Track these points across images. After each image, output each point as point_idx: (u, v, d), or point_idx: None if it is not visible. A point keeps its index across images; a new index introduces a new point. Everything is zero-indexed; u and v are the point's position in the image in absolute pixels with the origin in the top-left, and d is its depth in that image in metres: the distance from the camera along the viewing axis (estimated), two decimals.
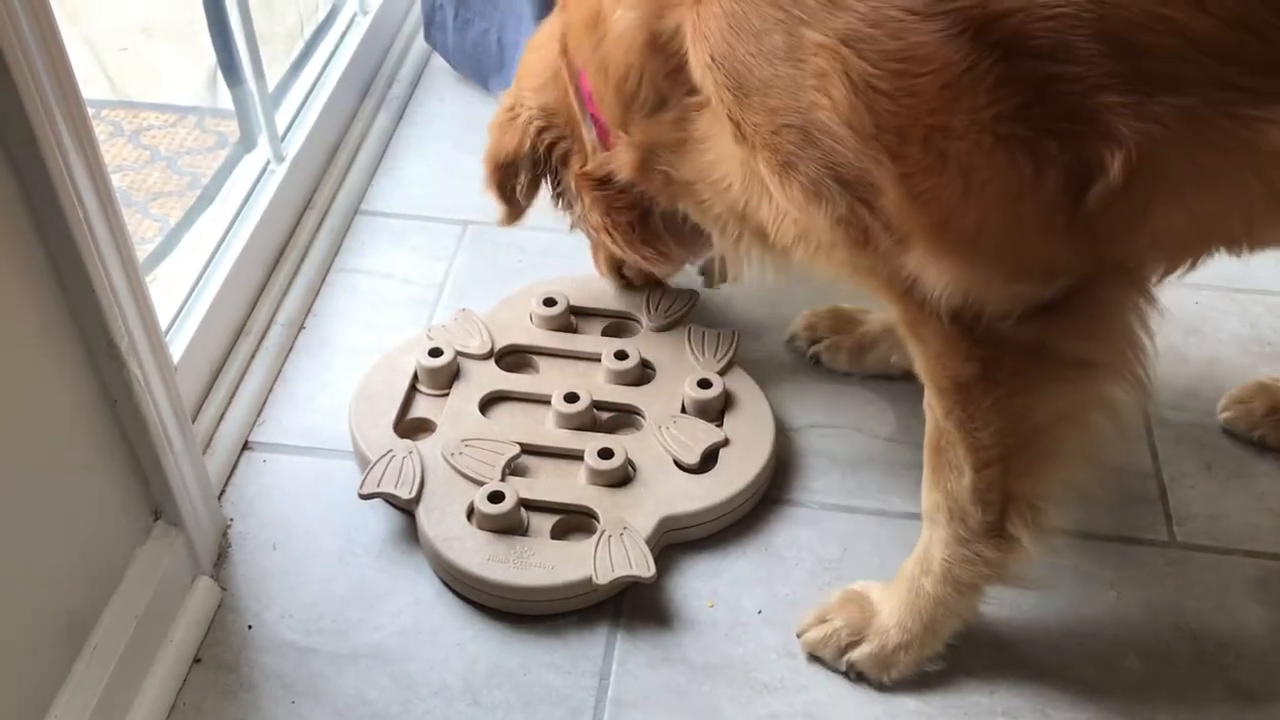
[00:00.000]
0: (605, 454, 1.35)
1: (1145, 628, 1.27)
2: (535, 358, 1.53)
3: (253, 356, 1.53)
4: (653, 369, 1.50)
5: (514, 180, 1.40)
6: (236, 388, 1.49)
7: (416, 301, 1.66)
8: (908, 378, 1.42)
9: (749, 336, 1.58)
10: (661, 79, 1.09)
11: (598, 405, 1.43)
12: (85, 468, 1.09)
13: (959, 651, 1.24)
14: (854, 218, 0.96)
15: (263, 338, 1.56)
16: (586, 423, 1.42)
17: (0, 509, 0.97)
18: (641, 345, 1.51)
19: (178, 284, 1.47)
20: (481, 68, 2.00)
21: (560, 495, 1.34)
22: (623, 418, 1.45)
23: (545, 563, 1.27)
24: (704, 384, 1.44)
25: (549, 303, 1.55)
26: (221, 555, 1.33)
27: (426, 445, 1.38)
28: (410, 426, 1.43)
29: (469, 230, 1.77)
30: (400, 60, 2.10)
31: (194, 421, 1.36)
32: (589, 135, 1.30)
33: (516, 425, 1.42)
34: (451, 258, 1.73)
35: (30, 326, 0.99)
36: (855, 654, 1.21)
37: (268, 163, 1.69)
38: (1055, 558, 1.33)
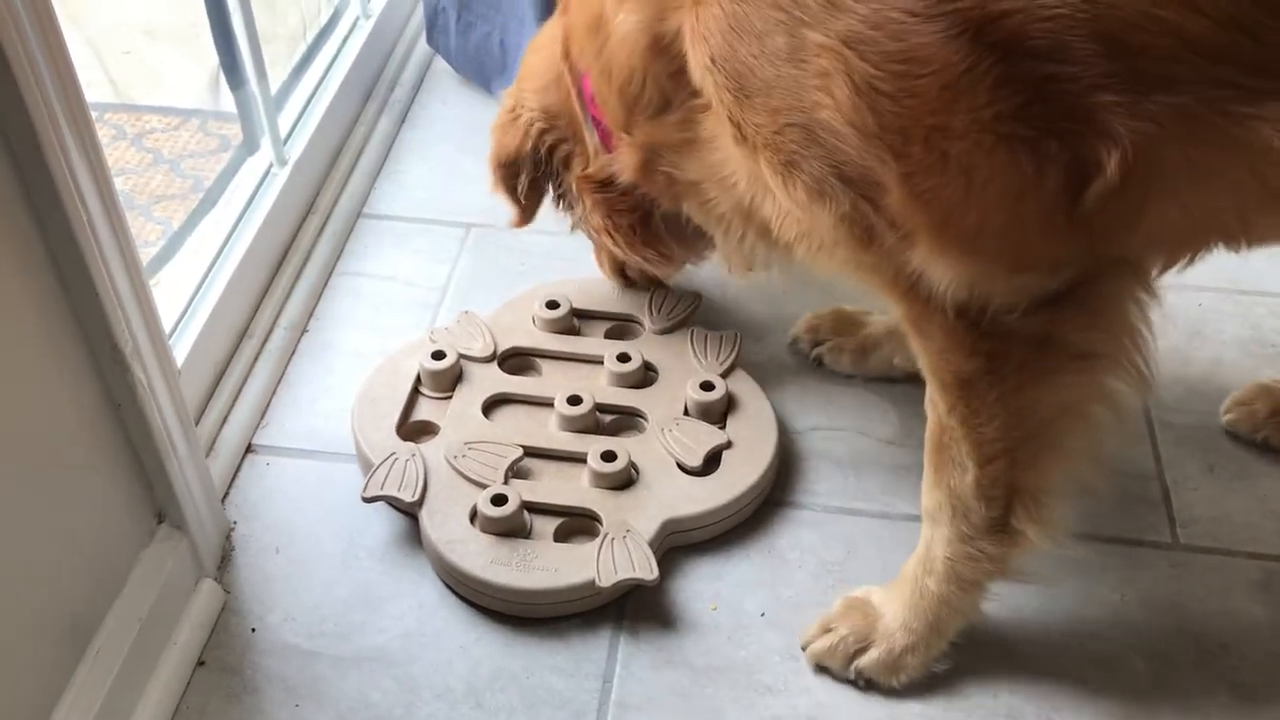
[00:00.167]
0: (608, 457, 1.35)
1: (1148, 630, 1.27)
2: (538, 360, 1.53)
3: (256, 360, 1.54)
4: (655, 371, 1.50)
5: (515, 180, 1.41)
6: (239, 391, 1.49)
7: (419, 304, 1.66)
8: (910, 380, 1.43)
9: (751, 339, 1.58)
10: (665, 81, 1.09)
11: (600, 408, 1.44)
12: (89, 471, 1.09)
13: (962, 653, 1.24)
14: (858, 215, 0.97)
15: (265, 341, 1.56)
16: (589, 425, 1.42)
17: (4, 512, 0.97)
18: (644, 348, 1.51)
19: (181, 287, 1.48)
20: (484, 70, 2.00)
21: (563, 498, 1.34)
22: (625, 420, 1.45)
23: (548, 565, 1.27)
24: (706, 386, 1.44)
25: (552, 305, 1.55)
26: (225, 558, 1.33)
27: (429, 448, 1.38)
28: (413, 429, 1.43)
29: (471, 233, 1.77)
30: (403, 63, 2.10)
31: (197, 425, 1.37)
32: (591, 138, 1.30)
33: (519, 428, 1.42)
34: (454, 260, 1.73)
35: (34, 330, 1.00)
36: (863, 660, 1.21)
37: (270, 166, 1.69)
38: (1057, 555, 1.33)
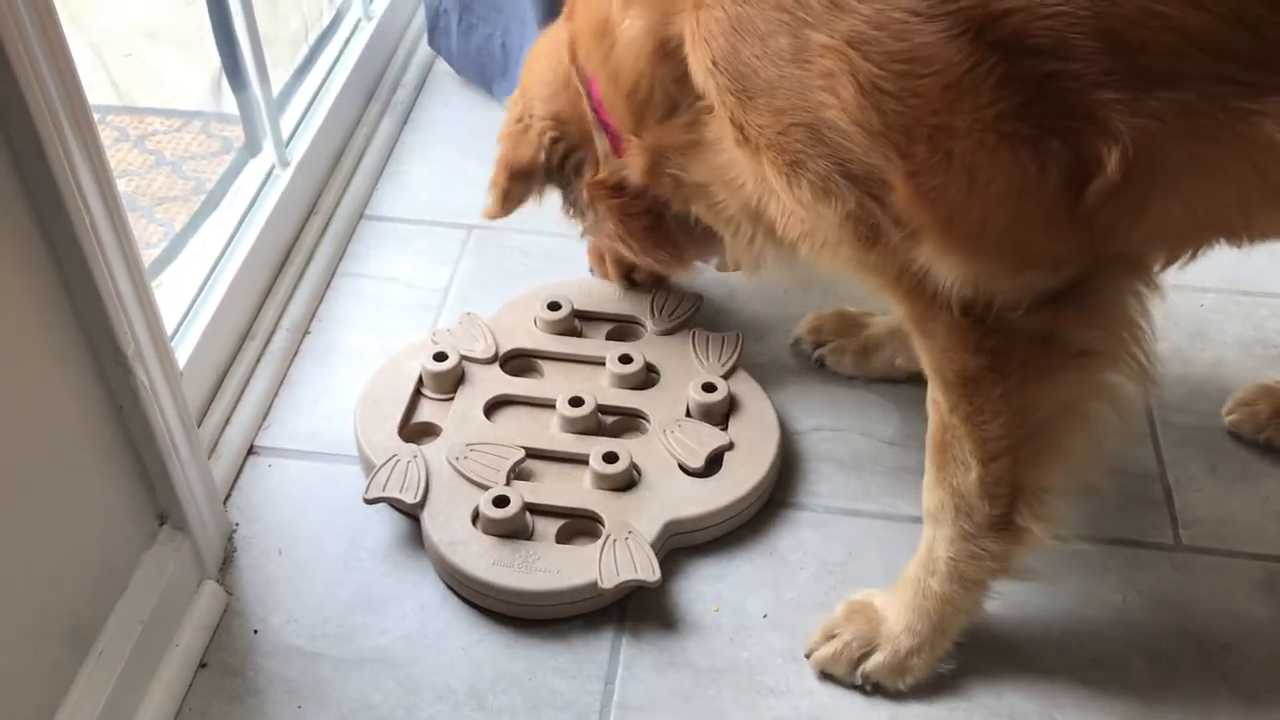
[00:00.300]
0: (610, 458, 1.35)
1: (1151, 630, 1.27)
2: (540, 362, 1.53)
3: (258, 361, 1.54)
4: (657, 373, 1.50)
5: (527, 190, 1.40)
6: (242, 392, 1.49)
7: (421, 306, 1.66)
8: (912, 380, 1.43)
9: (753, 340, 1.58)
10: (671, 85, 1.09)
11: (602, 409, 1.44)
12: (91, 473, 1.10)
13: (965, 655, 1.23)
14: (863, 213, 0.97)
15: (268, 342, 1.56)
16: (591, 427, 1.42)
17: (6, 514, 0.97)
18: (646, 349, 1.51)
19: (183, 289, 1.48)
20: (485, 72, 2.00)
21: (565, 499, 1.34)
22: (627, 421, 1.45)
23: (550, 567, 1.27)
24: (708, 387, 1.44)
25: (553, 307, 1.55)
26: (227, 560, 1.33)
27: (431, 449, 1.38)
28: (415, 431, 1.43)
29: (473, 234, 1.77)
30: (404, 65, 2.10)
31: (199, 426, 1.37)
32: (601, 143, 1.30)
33: (521, 429, 1.42)
34: (456, 262, 1.73)
35: (36, 331, 1.00)
36: (869, 665, 1.20)
37: (272, 167, 1.69)
38: (1060, 555, 1.33)
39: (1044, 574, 1.31)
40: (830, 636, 1.23)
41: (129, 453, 1.15)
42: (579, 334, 1.56)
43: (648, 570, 1.26)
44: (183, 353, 1.39)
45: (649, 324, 1.56)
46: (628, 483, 1.35)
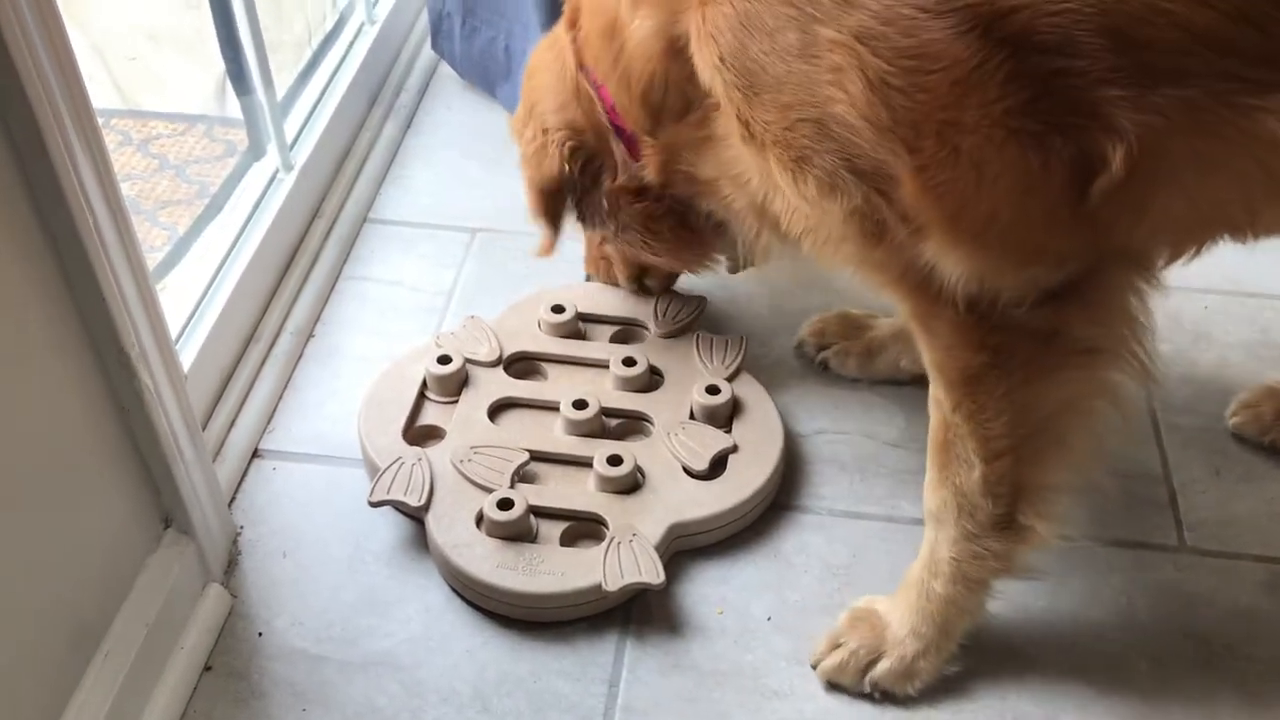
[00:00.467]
0: (614, 461, 1.35)
1: (1155, 632, 1.27)
2: (544, 364, 1.53)
3: (262, 364, 1.54)
4: (661, 375, 1.50)
5: (562, 205, 1.38)
6: (246, 396, 1.49)
7: (425, 309, 1.66)
8: (916, 382, 1.43)
9: (757, 342, 1.58)
10: (685, 83, 1.09)
11: (606, 412, 1.44)
12: (96, 476, 1.10)
13: (969, 657, 1.23)
14: (869, 209, 0.97)
15: (272, 346, 1.57)
16: (595, 429, 1.42)
17: (12, 517, 0.98)
18: (650, 352, 1.51)
19: (187, 292, 1.48)
20: (488, 76, 2.00)
21: (569, 502, 1.34)
22: (631, 424, 1.45)
23: (554, 569, 1.27)
24: (712, 390, 1.44)
25: (557, 309, 1.55)
26: (232, 563, 1.33)
27: (435, 452, 1.38)
28: (419, 434, 1.43)
29: (477, 238, 1.77)
30: (408, 69, 2.10)
31: (204, 429, 1.37)
32: (618, 148, 1.29)
33: (525, 432, 1.42)
34: (460, 265, 1.73)
35: (41, 335, 1.00)
36: (876, 672, 1.20)
37: (276, 171, 1.69)
38: (1064, 556, 1.33)
39: (1048, 575, 1.32)
40: (835, 646, 1.22)
41: (134, 456, 1.15)
42: (583, 337, 1.56)
43: (652, 573, 1.26)
44: (187, 356, 1.39)
45: (653, 327, 1.56)
46: (632, 485, 1.35)
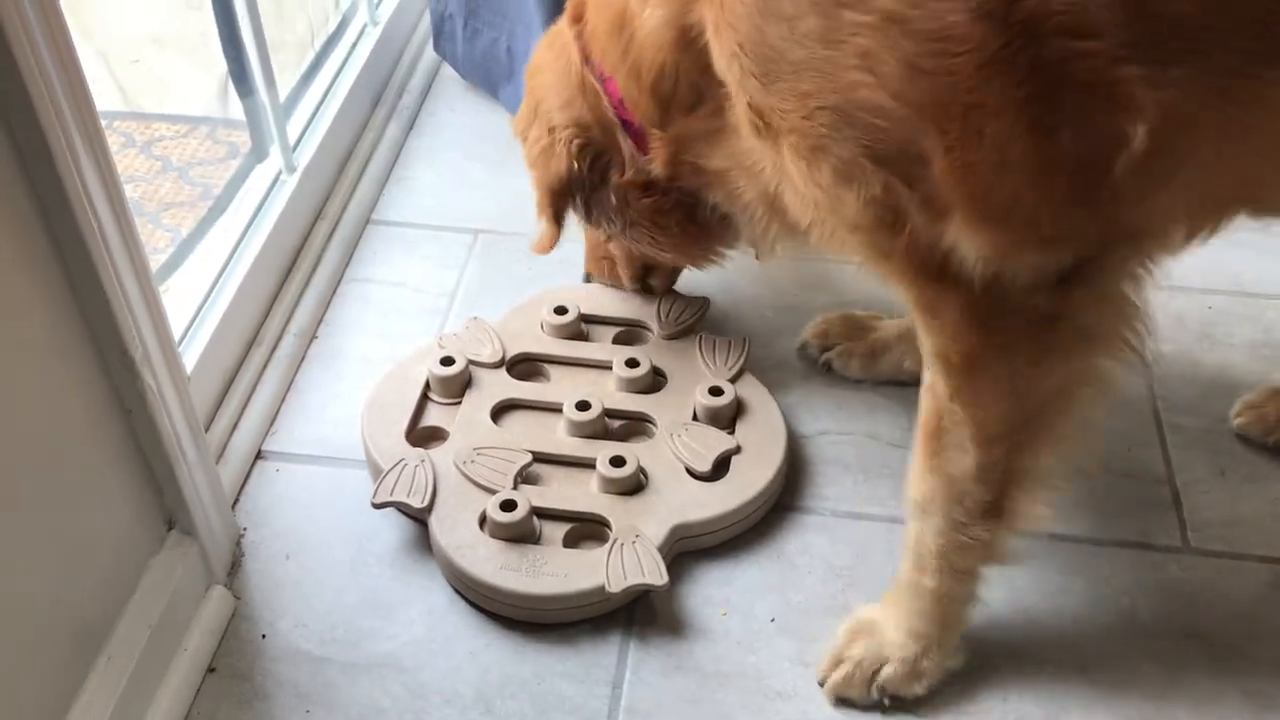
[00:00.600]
0: (617, 462, 1.35)
1: (1159, 633, 1.27)
2: (547, 366, 1.53)
3: (265, 366, 1.54)
4: (664, 376, 1.50)
5: (569, 204, 1.38)
6: (249, 397, 1.49)
7: (428, 310, 1.66)
8: (919, 384, 1.42)
9: (760, 343, 1.58)
10: (697, 75, 1.09)
11: (609, 413, 1.44)
12: (99, 477, 1.10)
13: (972, 657, 1.23)
14: (887, 197, 0.97)
15: (275, 347, 1.57)
16: (598, 431, 1.42)
17: (15, 519, 0.98)
18: (653, 353, 1.51)
19: (190, 294, 1.48)
20: (491, 77, 2.00)
21: (572, 503, 1.34)
22: (634, 425, 1.45)
23: (558, 571, 1.27)
24: (715, 391, 1.44)
25: (560, 311, 1.55)
26: (235, 564, 1.33)
27: (438, 454, 1.38)
28: (422, 435, 1.43)
29: (480, 239, 1.77)
30: (410, 70, 2.10)
31: (207, 431, 1.37)
32: (626, 144, 1.29)
33: (528, 433, 1.42)
34: (462, 266, 1.73)
35: (45, 336, 1.00)
36: (882, 677, 1.20)
37: (279, 173, 1.69)
38: (1067, 557, 1.33)
39: (1051, 576, 1.32)
40: (839, 662, 1.22)
41: (137, 457, 1.15)
42: (585, 338, 1.56)
43: (655, 574, 1.26)
44: (190, 357, 1.39)
45: (656, 328, 1.56)
46: (635, 487, 1.35)
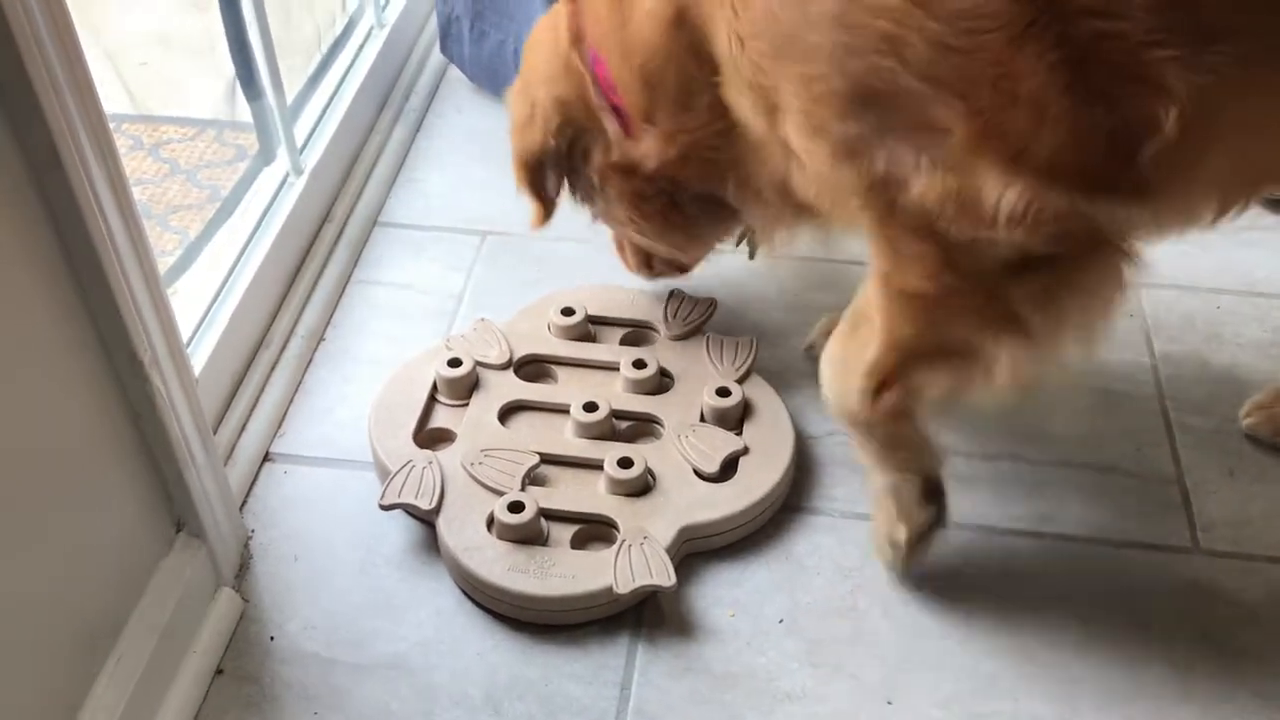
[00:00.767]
0: (625, 463, 1.35)
1: (1169, 635, 1.27)
2: (554, 367, 1.53)
3: (273, 368, 1.54)
4: (671, 378, 1.50)
5: (543, 178, 1.38)
6: (257, 399, 1.50)
7: (435, 312, 1.66)
8: None
9: (768, 344, 1.58)
10: (689, 59, 1.09)
11: (616, 414, 1.44)
12: (108, 480, 1.10)
13: (982, 659, 1.23)
14: (892, 169, 0.98)
15: (283, 349, 1.57)
16: (605, 432, 1.42)
17: (24, 522, 0.98)
18: (660, 354, 1.51)
19: (198, 296, 1.48)
20: (497, 79, 2.00)
21: (580, 505, 1.34)
22: (642, 427, 1.45)
23: (566, 572, 1.27)
24: (723, 392, 1.44)
25: (567, 312, 1.55)
26: (243, 567, 1.33)
27: (446, 455, 1.38)
28: (430, 437, 1.43)
29: (487, 241, 1.77)
30: (417, 72, 2.11)
31: (215, 433, 1.37)
32: (611, 125, 1.29)
33: (536, 435, 1.42)
34: (470, 268, 1.73)
35: (53, 339, 1.00)
36: (899, 539, 1.28)
37: (287, 175, 1.69)
38: (1077, 558, 1.33)
39: (1061, 577, 1.31)
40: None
41: (145, 460, 1.15)
42: (593, 339, 1.56)
43: (663, 575, 1.25)
44: (198, 360, 1.39)
45: (663, 329, 1.56)
46: (642, 488, 1.35)
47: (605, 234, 1.72)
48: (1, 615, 0.95)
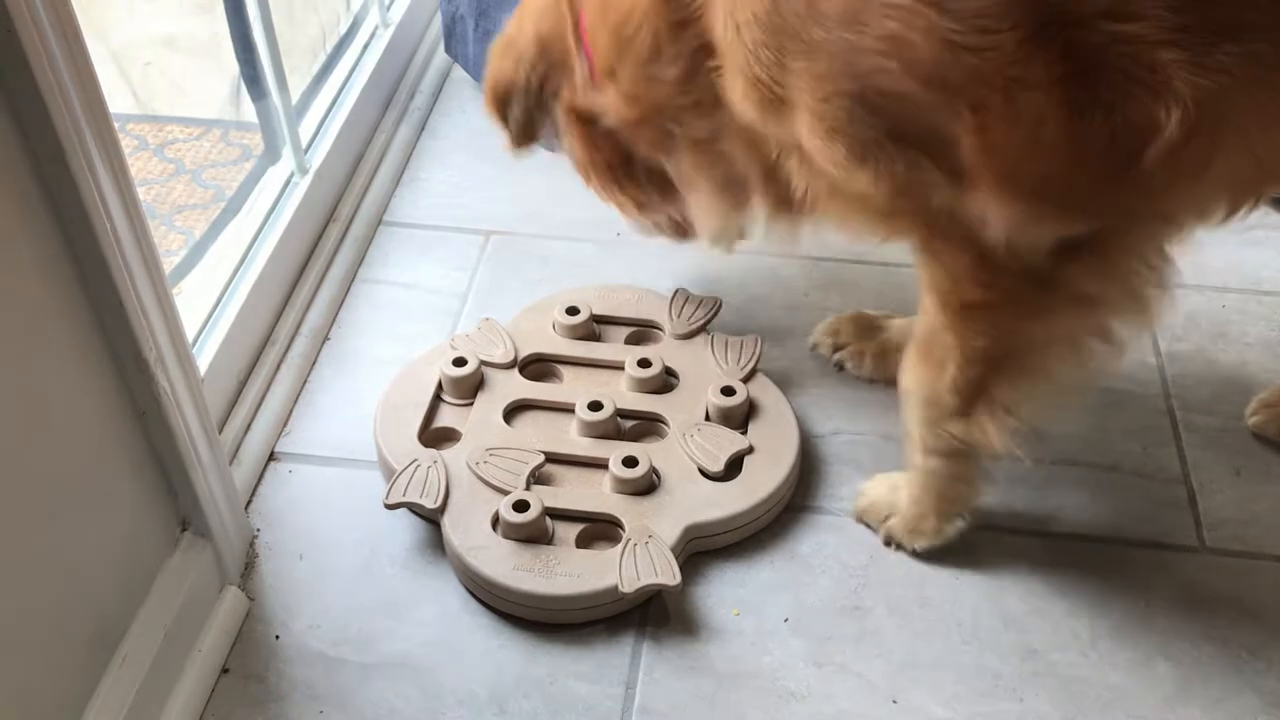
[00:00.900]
0: (630, 462, 1.35)
1: (1174, 633, 1.26)
2: (559, 366, 1.53)
3: (278, 367, 1.54)
4: (676, 377, 1.50)
5: (508, 109, 1.37)
6: (262, 399, 1.50)
7: (440, 311, 1.66)
8: None
9: (772, 343, 1.58)
10: (665, 27, 1.08)
11: (621, 413, 1.44)
12: (114, 479, 1.10)
13: (987, 658, 1.23)
14: (908, 174, 0.98)
15: (288, 349, 1.57)
16: (610, 431, 1.42)
17: (30, 521, 0.98)
18: (664, 353, 1.51)
19: (203, 296, 1.48)
20: None
21: (585, 504, 1.34)
22: (646, 426, 1.45)
23: (571, 571, 1.27)
24: (727, 391, 1.44)
25: (572, 311, 1.55)
26: (249, 566, 1.33)
27: (451, 454, 1.38)
28: (435, 436, 1.44)
29: (492, 240, 1.77)
30: (422, 72, 2.11)
31: (220, 432, 1.37)
32: (580, 68, 1.27)
33: (540, 434, 1.42)
34: (474, 268, 1.73)
35: (58, 339, 1.00)
36: (889, 524, 1.33)
37: (291, 175, 1.70)
38: (1083, 556, 1.33)
39: (1066, 576, 1.31)
40: (864, 494, 1.37)
41: (151, 459, 1.15)
42: (597, 338, 1.56)
43: (668, 574, 1.25)
44: (204, 359, 1.39)
45: (667, 328, 1.56)
46: (647, 487, 1.35)
47: (610, 233, 1.72)
48: (7, 614, 0.96)
